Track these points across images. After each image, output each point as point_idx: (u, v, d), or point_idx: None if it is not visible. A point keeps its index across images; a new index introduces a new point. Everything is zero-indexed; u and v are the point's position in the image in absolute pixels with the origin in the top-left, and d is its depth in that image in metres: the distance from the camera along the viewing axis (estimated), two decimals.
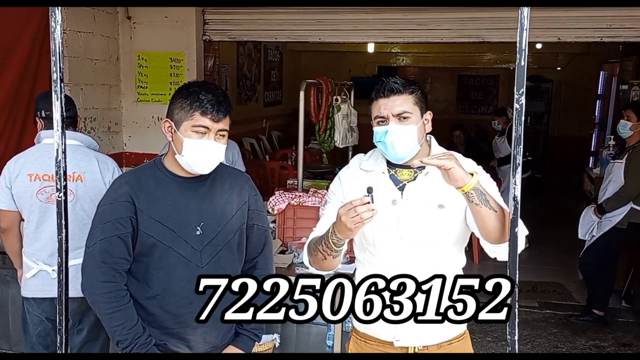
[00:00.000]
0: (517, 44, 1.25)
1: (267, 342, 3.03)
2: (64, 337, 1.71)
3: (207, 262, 2.00)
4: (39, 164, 2.75)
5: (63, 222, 1.67)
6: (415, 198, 1.92)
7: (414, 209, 1.92)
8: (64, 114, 1.63)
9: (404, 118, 1.88)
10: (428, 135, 1.99)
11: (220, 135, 1.96)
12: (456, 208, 1.90)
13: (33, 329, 2.88)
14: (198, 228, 1.98)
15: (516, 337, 1.37)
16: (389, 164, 1.98)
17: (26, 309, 2.89)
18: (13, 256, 2.93)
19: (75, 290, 2.73)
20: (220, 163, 2.04)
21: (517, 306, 1.37)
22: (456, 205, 1.89)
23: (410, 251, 1.92)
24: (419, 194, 1.92)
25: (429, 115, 1.93)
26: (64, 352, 1.59)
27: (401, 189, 1.94)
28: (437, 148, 1.99)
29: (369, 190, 1.73)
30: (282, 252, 3.34)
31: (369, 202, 1.70)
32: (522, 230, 1.78)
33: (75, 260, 2.70)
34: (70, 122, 2.86)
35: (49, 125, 2.80)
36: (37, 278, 2.80)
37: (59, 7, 1.46)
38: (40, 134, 2.83)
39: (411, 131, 1.88)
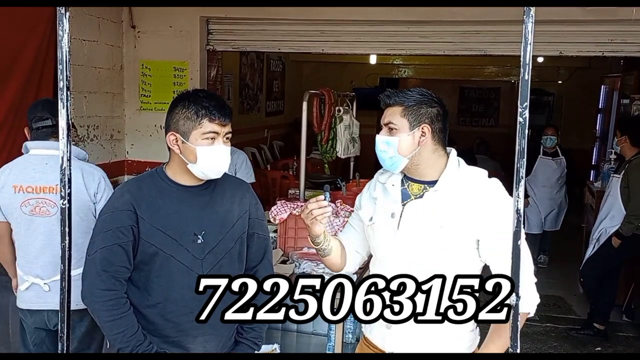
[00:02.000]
0: (521, 59, 1.26)
1: (267, 353, 3.02)
2: (65, 344, 1.71)
3: (208, 270, 2.00)
4: (23, 176, 2.73)
5: (67, 229, 1.67)
6: (415, 215, 1.91)
7: (411, 226, 1.91)
8: (70, 122, 1.64)
9: (391, 129, 1.92)
10: (448, 148, 1.96)
11: (227, 138, 2.01)
12: (459, 232, 1.86)
13: (29, 337, 2.88)
14: (199, 237, 1.99)
15: (518, 351, 1.37)
16: (405, 177, 1.98)
17: (21, 318, 2.89)
18: (6, 266, 2.91)
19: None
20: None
21: (519, 319, 1.37)
22: (460, 229, 1.86)
23: (407, 265, 1.91)
24: (420, 212, 1.91)
25: (426, 129, 1.89)
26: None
27: (406, 204, 1.94)
28: (454, 161, 1.95)
29: (325, 189, 1.84)
30: (284, 262, 3.33)
31: (324, 200, 1.86)
32: (533, 299, 1.85)
33: (72, 272, 2.74)
34: (55, 131, 2.76)
35: (35, 135, 2.80)
36: (31, 290, 2.78)
37: (67, 16, 1.48)
38: (27, 144, 2.81)
39: (390, 142, 1.90)
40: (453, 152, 1.98)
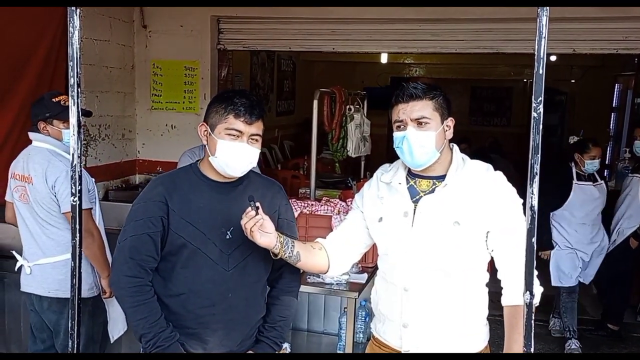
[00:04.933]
0: (535, 52, 1.24)
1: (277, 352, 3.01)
2: (75, 341, 1.71)
3: (234, 266, 2.03)
4: (17, 164, 2.95)
5: (77, 226, 1.67)
6: (429, 212, 1.88)
7: (426, 223, 1.88)
8: (80, 119, 1.64)
9: (423, 123, 1.86)
10: (451, 143, 1.96)
11: (253, 139, 2.01)
12: (475, 227, 1.85)
13: (30, 321, 3.05)
14: (228, 232, 2.02)
15: (532, 350, 1.34)
16: (410, 174, 1.96)
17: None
18: None
19: (42, 289, 2.90)
20: (253, 171, 2.10)
21: (533, 318, 1.35)
22: (475, 223, 1.85)
23: (421, 265, 1.89)
24: (433, 208, 1.88)
25: (450, 122, 1.91)
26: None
27: (417, 201, 1.91)
28: (458, 156, 1.95)
29: (250, 198, 1.85)
30: None
31: (252, 211, 1.83)
32: (537, 288, 1.79)
33: (45, 260, 2.89)
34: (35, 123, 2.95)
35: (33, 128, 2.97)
36: (21, 271, 2.98)
37: (77, 13, 1.47)
38: (29, 134, 2.98)
39: (429, 137, 1.85)
40: (455, 146, 1.98)
